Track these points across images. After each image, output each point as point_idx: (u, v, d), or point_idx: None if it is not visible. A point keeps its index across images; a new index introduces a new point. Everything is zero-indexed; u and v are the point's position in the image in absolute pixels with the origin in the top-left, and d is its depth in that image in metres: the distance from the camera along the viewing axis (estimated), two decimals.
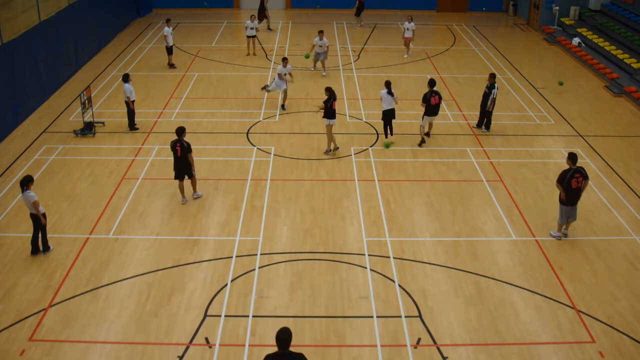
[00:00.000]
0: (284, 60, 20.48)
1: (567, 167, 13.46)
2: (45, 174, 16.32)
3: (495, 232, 14.06)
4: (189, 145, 14.60)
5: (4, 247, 13.28)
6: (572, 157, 13.32)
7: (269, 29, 30.83)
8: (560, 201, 13.49)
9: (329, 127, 17.14)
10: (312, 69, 24.61)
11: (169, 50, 24.57)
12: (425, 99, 17.80)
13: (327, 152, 17.49)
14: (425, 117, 18.09)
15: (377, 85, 23.09)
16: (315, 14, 34.50)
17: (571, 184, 13.14)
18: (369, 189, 15.74)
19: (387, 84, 17.78)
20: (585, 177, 13.25)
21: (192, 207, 14.84)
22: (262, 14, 30.69)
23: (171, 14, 33.05)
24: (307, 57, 24.63)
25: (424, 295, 11.92)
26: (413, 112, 20.63)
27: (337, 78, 23.94)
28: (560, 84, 22.66)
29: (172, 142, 14.69)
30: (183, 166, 14.64)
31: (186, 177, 14.85)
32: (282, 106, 20.79)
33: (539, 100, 21.99)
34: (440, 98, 17.96)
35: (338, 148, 17.59)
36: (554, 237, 13.83)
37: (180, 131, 14.68)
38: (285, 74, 20.41)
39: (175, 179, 14.84)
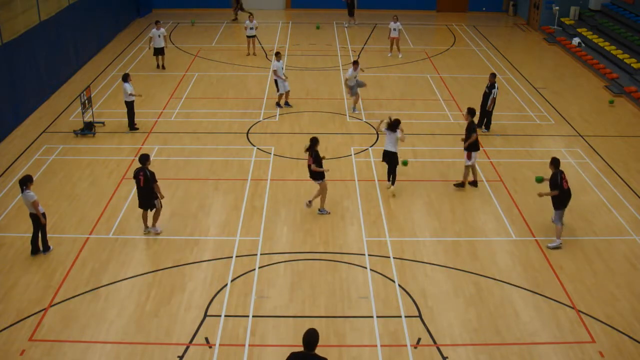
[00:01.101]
0: (277, 55, 20.60)
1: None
2: (45, 174, 16.32)
3: (495, 232, 14.06)
4: (153, 175, 13.29)
5: (4, 247, 13.28)
6: (555, 162, 13.33)
7: (235, 19, 32.09)
8: (559, 206, 13.26)
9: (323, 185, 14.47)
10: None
11: (156, 52, 24.15)
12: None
13: (323, 210, 14.67)
14: (473, 154, 15.44)
15: (377, 85, 23.12)
16: (315, 14, 34.50)
17: (563, 185, 13.15)
18: (369, 189, 15.74)
19: (393, 122, 15.06)
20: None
21: (192, 207, 14.84)
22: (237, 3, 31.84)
23: (171, 14, 33.09)
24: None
25: (424, 295, 11.92)
26: (413, 112, 20.65)
27: (337, 78, 23.94)
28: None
29: (135, 170, 13.39)
30: (146, 197, 13.38)
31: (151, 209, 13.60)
32: (287, 103, 20.79)
33: (539, 100, 21.99)
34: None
35: (311, 202, 14.75)
36: (554, 247, 13.40)
37: (144, 159, 13.31)
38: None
39: (139, 207, 13.67)
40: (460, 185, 15.74)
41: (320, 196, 14.52)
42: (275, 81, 20.68)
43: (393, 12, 31.97)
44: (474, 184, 15.83)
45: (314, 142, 14.21)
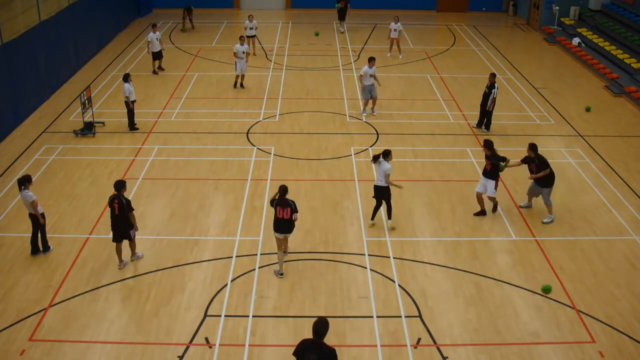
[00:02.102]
0: (241, 38, 22.48)
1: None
2: (45, 174, 16.32)
3: (495, 232, 14.06)
4: (128, 203, 12.25)
5: (4, 247, 13.28)
6: (533, 147, 14.29)
7: (182, 30, 30.45)
8: (548, 184, 14.28)
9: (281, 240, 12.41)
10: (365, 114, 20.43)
11: (155, 56, 23.88)
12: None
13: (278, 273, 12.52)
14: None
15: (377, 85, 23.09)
16: (315, 14, 34.50)
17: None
18: (369, 189, 15.71)
19: (384, 154, 13.64)
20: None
21: (192, 207, 14.84)
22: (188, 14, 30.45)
23: (171, 14, 33.08)
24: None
25: (424, 295, 11.92)
26: (413, 112, 20.65)
27: (337, 78, 23.93)
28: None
29: (110, 197, 12.36)
30: (122, 226, 12.28)
31: (125, 239, 12.52)
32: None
33: (539, 100, 21.99)
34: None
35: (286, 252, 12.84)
36: (548, 221, 14.38)
37: (120, 186, 12.26)
38: (243, 52, 22.00)
39: (113, 241, 12.50)
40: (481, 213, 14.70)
41: (285, 252, 12.56)
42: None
43: (393, 12, 32.00)
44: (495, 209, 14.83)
45: (285, 191, 12.06)
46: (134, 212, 12.39)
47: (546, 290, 12.05)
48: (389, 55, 26.76)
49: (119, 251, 12.55)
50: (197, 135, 18.61)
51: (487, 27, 32.45)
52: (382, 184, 13.65)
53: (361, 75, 19.72)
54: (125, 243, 12.68)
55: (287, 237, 12.38)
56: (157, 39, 23.58)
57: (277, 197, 12.09)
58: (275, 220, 12.14)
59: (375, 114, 20.18)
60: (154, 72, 24.11)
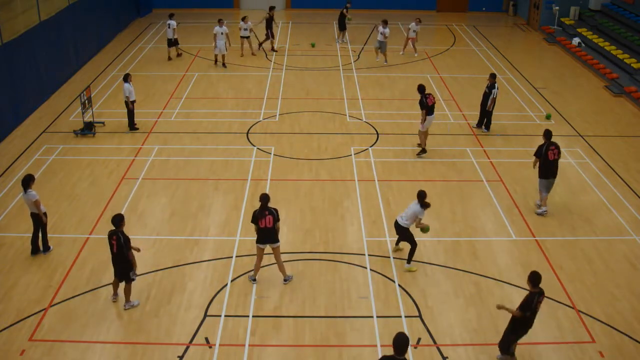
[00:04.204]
0: (220, 20, 24.48)
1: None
2: (45, 174, 16.32)
3: (495, 232, 14.06)
4: (127, 241, 11.14)
5: (4, 247, 13.28)
6: (547, 133, 14.58)
7: (273, 49, 27.40)
8: (540, 175, 14.55)
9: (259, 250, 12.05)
10: (378, 60, 25.82)
11: (170, 43, 25.56)
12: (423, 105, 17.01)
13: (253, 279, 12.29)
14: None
15: (377, 85, 23.12)
16: (315, 14, 34.51)
17: (548, 155, 14.32)
18: (369, 189, 15.74)
19: (420, 195, 12.38)
20: (559, 150, 14.53)
21: (192, 207, 14.84)
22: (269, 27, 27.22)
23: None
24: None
25: (424, 295, 11.92)
26: (413, 112, 20.65)
27: (337, 78, 23.93)
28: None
29: (109, 232, 11.26)
30: (120, 267, 11.29)
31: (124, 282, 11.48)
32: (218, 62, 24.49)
33: (539, 100, 21.99)
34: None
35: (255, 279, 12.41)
36: (540, 213, 14.64)
37: (118, 221, 11.15)
38: (222, 33, 24.07)
39: (114, 275, 11.60)
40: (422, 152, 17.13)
41: (281, 262, 12.18)
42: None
43: (393, 12, 32.05)
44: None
45: (267, 199, 11.64)
46: (132, 250, 11.27)
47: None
48: (401, 54, 26.79)
49: (115, 285, 11.66)
50: (197, 135, 18.62)
51: (487, 27, 32.45)
52: (405, 224, 12.38)
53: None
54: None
55: (274, 247, 11.74)
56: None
57: (258, 209, 11.57)
58: (258, 230, 11.59)
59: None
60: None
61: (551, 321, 11.32)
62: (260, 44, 27.45)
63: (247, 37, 26.33)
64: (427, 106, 16.96)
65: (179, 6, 34.38)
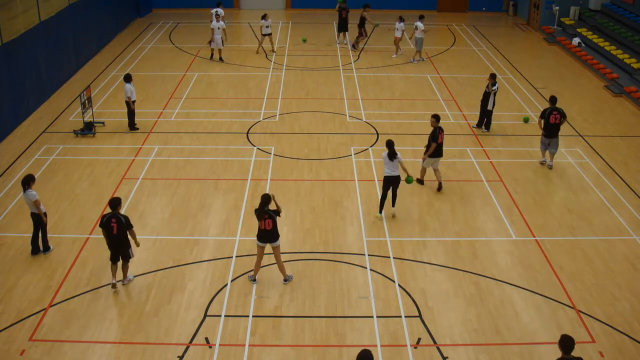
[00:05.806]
0: (217, 15, 24.97)
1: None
2: (45, 173, 16.32)
3: (495, 232, 14.06)
4: (127, 220, 11.54)
5: (4, 247, 13.28)
6: (552, 99, 16.89)
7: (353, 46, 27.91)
8: (542, 134, 16.78)
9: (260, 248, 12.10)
10: (395, 57, 26.43)
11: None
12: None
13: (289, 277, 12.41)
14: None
15: (377, 85, 23.13)
16: (315, 14, 34.51)
17: (549, 119, 16.52)
18: (369, 189, 15.74)
19: (389, 144, 13.97)
20: (562, 115, 16.58)
21: (192, 207, 14.84)
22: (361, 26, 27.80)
23: (171, 14, 33.11)
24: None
25: (424, 295, 11.93)
26: (413, 112, 20.66)
27: (337, 78, 23.94)
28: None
29: (104, 217, 11.48)
30: (120, 246, 11.59)
31: (121, 259, 11.83)
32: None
33: (539, 100, 21.98)
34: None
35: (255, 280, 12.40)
36: (544, 162, 16.91)
37: (115, 204, 11.50)
38: (219, 28, 24.76)
39: (110, 259, 11.80)
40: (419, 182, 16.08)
41: (280, 262, 12.21)
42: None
43: (394, 12, 32.03)
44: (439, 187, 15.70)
45: (266, 200, 11.63)
46: (133, 228, 11.73)
47: (525, 120, 17.01)
48: (394, 56, 26.79)
49: (114, 271, 11.85)
50: (197, 135, 18.62)
51: (487, 27, 32.45)
52: (397, 173, 14.06)
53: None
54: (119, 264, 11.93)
55: (274, 246, 11.85)
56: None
57: (258, 208, 11.68)
58: (258, 229, 11.78)
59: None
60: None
61: (551, 321, 11.33)
62: (354, 43, 27.88)
63: (269, 35, 26.51)
64: (437, 142, 15.30)
65: (179, 6, 34.41)
